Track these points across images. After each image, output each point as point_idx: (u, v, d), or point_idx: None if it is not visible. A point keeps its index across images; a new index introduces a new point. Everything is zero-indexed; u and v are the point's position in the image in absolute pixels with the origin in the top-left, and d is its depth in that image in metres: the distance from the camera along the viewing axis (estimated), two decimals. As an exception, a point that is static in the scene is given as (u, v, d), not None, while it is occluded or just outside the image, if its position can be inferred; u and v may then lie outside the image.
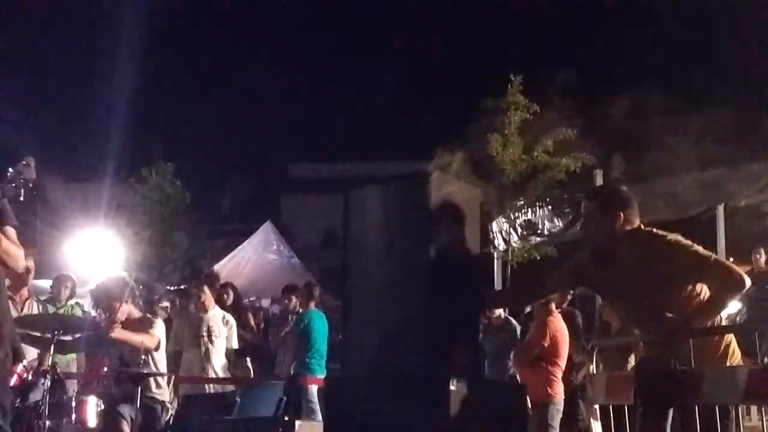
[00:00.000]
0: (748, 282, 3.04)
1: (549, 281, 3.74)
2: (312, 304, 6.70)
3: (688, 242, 3.18)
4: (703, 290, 3.09)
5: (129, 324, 4.44)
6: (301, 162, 22.84)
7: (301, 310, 6.70)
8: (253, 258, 12.91)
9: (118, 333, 4.32)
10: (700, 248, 3.14)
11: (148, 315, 5.05)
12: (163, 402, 4.62)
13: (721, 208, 7.75)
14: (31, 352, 4.51)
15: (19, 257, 3.14)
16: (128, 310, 4.59)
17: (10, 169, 2.99)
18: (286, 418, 4.25)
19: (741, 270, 3.21)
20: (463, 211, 3.40)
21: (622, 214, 3.16)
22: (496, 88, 12.75)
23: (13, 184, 2.97)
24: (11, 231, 3.06)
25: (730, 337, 3.28)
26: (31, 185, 3.04)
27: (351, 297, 3.51)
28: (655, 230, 3.32)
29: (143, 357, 4.12)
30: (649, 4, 17.50)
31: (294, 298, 6.83)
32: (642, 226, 3.26)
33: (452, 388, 2.97)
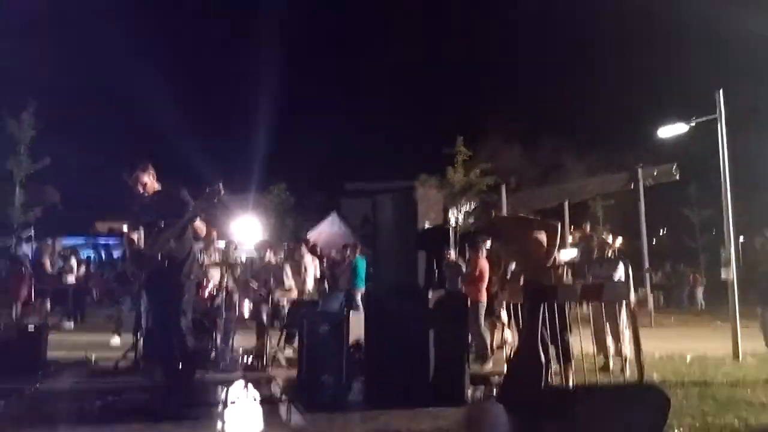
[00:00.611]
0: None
1: None
2: (357, 253, 11.14)
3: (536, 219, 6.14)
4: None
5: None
6: (351, 181, 38.84)
7: (351, 256, 10.95)
8: (327, 230, 23.43)
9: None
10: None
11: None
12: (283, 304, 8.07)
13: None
14: (215, 277, 7.88)
15: (204, 230, 5.77)
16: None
17: (207, 189, 5.10)
18: (345, 312, 7.40)
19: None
20: (434, 206, 6.48)
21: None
22: (449, 140, 23.30)
23: (214, 201, 5.16)
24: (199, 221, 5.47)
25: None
26: (221, 202, 5.84)
27: (377, 250, 6.47)
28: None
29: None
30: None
31: (348, 250, 11.36)
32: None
33: (431, 295, 5.62)
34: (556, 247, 5.94)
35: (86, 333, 11.49)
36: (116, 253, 23.59)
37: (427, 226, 5.95)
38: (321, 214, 27.79)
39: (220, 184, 5.13)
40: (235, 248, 9.16)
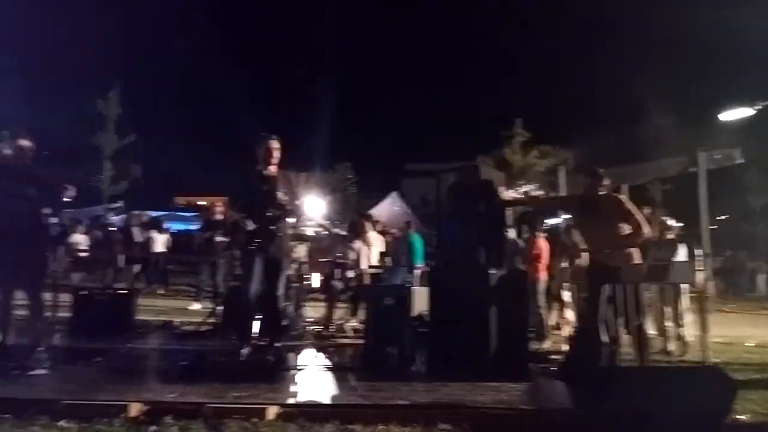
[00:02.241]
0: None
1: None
2: (410, 230, 10.84)
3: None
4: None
5: None
6: (410, 162, 40.03)
7: (410, 232, 10.62)
8: (387, 209, 22.87)
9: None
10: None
11: None
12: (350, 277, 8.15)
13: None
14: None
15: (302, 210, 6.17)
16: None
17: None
18: (408, 285, 7.45)
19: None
20: (494, 185, 6.37)
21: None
22: (507, 122, 24.23)
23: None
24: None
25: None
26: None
27: (441, 228, 6.38)
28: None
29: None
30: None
31: (407, 227, 10.95)
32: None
33: (492, 271, 5.59)
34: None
35: (170, 299, 11.96)
36: (193, 225, 24.42)
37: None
38: (382, 193, 27.94)
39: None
40: (303, 224, 9.30)
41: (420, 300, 6.32)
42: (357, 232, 8.42)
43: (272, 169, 5.63)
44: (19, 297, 5.24)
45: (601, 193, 5.41)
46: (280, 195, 5.49)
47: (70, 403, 3.73)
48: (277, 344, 5.67)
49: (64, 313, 7.29)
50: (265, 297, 5.50)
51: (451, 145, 30.02)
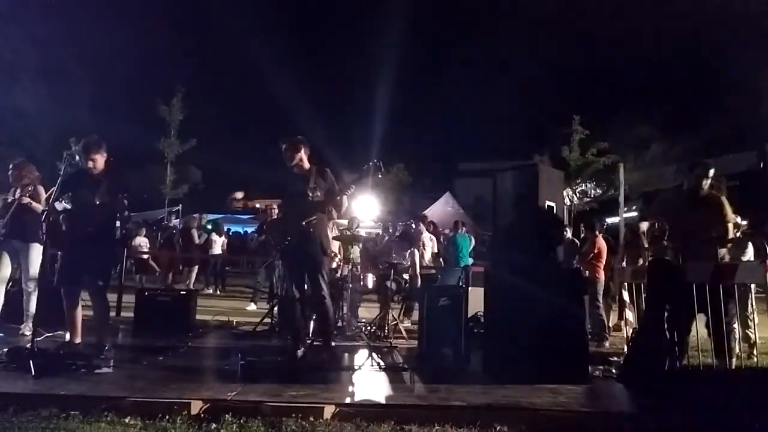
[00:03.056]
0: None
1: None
2: (458, 230, 10.73)
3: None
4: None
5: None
6: (464, 162, 39.47)
7: (456, 233, 10.56)
8: (440, 209, 22.93)
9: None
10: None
11: None
12: (404, 278, 8.15)
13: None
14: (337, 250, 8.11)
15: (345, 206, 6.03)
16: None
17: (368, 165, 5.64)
18: (464, 286, 7.40)
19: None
20: (555, 184, 6.25)
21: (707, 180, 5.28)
22: (564, 120, 23.48)
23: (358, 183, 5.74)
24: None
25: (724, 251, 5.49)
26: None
27: (497, 228, 6.50)
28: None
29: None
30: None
31: (456, 227, 10.79)
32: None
33: (550, 272, 5.55)
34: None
35: (227, 299, 12.24)
36: (250, 228, 24.95)
37: (548, 204, 5.76)
38: (435, 193, 27.93)
39: (377, 162, 5.54)
40: (357, 225, 9.36)
41: (475, 300, 6.28)
42: (410, 233, 8.38)
43: (303, 167, 5.67)
44: (85, 298, 5.45)
45: (705, 187, 5.29)
46: (312, 193, 5.52)
47: (135, 401, 3.85)
48: (330, 343, 5.71)
49: (127, 313, 7.56)
50: (311, 296, 5.54)
51: (505, 145, 29.70)
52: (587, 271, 7.07)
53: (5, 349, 5.09)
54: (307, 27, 66.18)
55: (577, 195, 22.76)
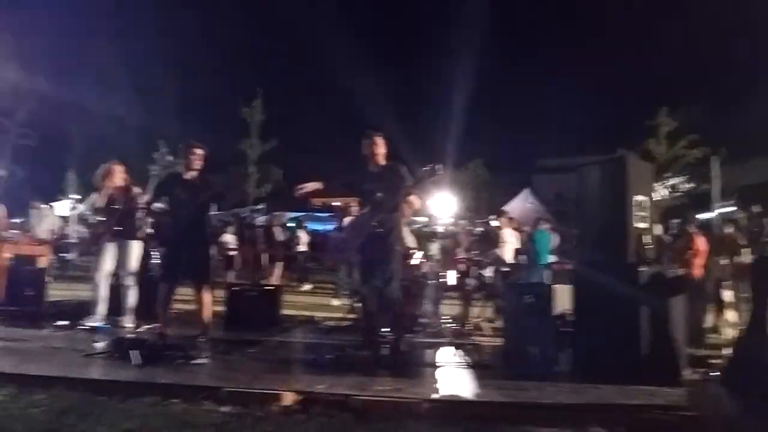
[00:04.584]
0: None
1: None
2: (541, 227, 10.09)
3: None
4: None
5: None
6: (543, 157, 37.59)
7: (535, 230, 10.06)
8: (520, 206, 22.91)
9: None
10: None
11: None
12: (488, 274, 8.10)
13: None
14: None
15: (417, 204, 6.25)
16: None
17: (426, 168, 5.60)
18: (548, 283, 7.21)
19: None
20: (645, 178, 5.96)
21: None
22: (648, 112, 22.54)
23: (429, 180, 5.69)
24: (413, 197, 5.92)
25: None
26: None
27: (583, 224, 6.11)
28: None
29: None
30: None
31: (539, 224, 10.13)
32: None
33: (642, 269, 5.20)
34: None
35: (310, 295, 12.50)
36: (330, 226, 25.36)
37: (637, 198, 5.51)
38: (515, 189, 27.51)
39: (437, 166, 5.39)
40: (436, 222, 9.34)
41: (561, 298, 6.12)
42: (491, 231, 8.26)
43: (380, 163, 5.68)
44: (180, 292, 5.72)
45: None
46: (382, 190, 5.54)
47: (231, 391, 4.00)
48: (406, 337, 5.71)
49: (218, 308, 7.85)
50: (384, 292, 5.54)
51: (585, 139, 28.81)
52: (683, 269, 6.74)
53: (110, 340, 5.41)
54: (385, 25, 66.63)
55: (667, 189, 21.66)
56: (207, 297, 5.68)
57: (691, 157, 21.43)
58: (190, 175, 5.61)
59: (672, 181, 22.07)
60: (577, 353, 5.42)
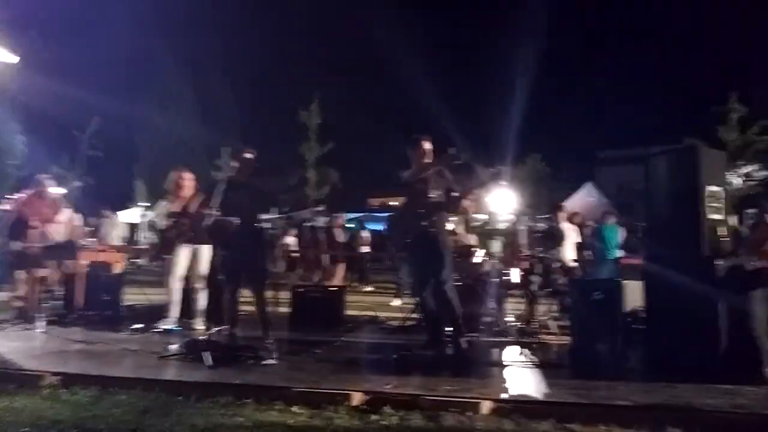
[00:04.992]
0: None
1: None
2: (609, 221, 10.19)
3: None
4: None
5: None
6: (604, 149, 38.73)
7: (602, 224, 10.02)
8: (582, 200, 21.71)
9: None
10: None
11: None
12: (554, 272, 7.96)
13: None
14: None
15: (473, 208, 6.23)
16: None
17: (491, 170, 5.94)
18: (617, 279, 7.00)
19: None
20: (718, 167, 5.73)
21: None
22: (716, 98, 21.69)
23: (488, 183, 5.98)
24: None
25: None
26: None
27: (652, 217, 5.93)
28: None
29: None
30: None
31: (606, 218, 10.29)
32: None
33: (718, 264, 4.97)
34: None
35: (372, 295, 12.59)
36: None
37: (711, 189, 5.30)
38: (576, 183, 26.91)
39: (499, 168, 5.39)
40: (496, 219, 9.21)
41: (632, 294, 5.95)
42: (554, 228, 8.10)
43: (426, 166, 5.70)
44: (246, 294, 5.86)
45: None
46: (433, 191, 5.56)
47: (301, 391, 4.08)
48: (470, 336, 5.67)
49: (284, 309, 8.01)
50: (435, 292, 5.56)
51: (648, 129, 27.97)
52: (761, 261, 6.39)
53: (183, 342, 5.60)
54: (442, 21, 66.38)
55: (741, 178, 20.58)
56: (264, 299, 5.79)
57: (764, 144, 20.44)
58: (241, 179, 5.72)
59: (745, 169, 21.13)
60: (650, 351, 5.26)
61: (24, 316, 7.08)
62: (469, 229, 8.28)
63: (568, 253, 8.32)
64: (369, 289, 14.07)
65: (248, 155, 5.89)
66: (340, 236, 14.57)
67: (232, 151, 5.92)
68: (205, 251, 6.85)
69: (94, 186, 25.90)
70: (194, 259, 6.90)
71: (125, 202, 30.14)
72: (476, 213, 8.16)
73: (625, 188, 30.84)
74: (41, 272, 7.54)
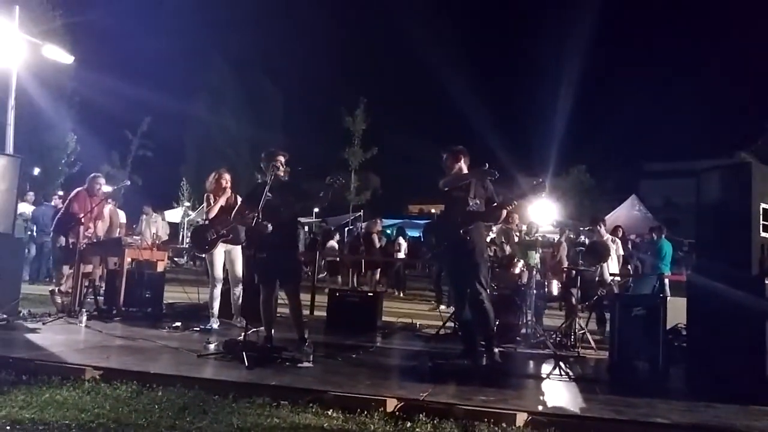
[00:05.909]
0: None
1: None
2: (662, 236, 9.87)
3: None
4: None
5: None
6: (650, 161, 38.83)
7: (655, 238, 9.75)
8: (625, 213, 21.01)
9: None
10: None
11: None
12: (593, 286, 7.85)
13: None
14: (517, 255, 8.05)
15: (515, 217, 6.16)
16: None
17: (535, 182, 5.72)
18: (661, 295, 6.88)
19: None
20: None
21: None
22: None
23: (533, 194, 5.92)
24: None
25: None
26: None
27: (701, 234, 5.76)
28: None
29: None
30: None
31: (654, 233, 10.06)
32: None
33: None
34: None
35: (408, 302, 12.58)
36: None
37: (764, 206, 5.13)
38: (620, 195, 26.35)
39: (542, 180, 5.52)
40: (536, 230, 9.12)
41: (674, 311, 5.80)
42: (597, 243, 7.95)
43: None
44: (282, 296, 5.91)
45: None
46: (471, 201, 5.56)
47: (336, 395, 4.10)
48: (506, 347, 5.63)
49: (321, 312, 8.07)
50: (470, 301, 5.52)
51: (696, 143, 27.29)
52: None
53: (221, 341, 5.69)
54: (488, 31, 66.20)
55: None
56: (297, 301, 5.82)
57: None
58: (275, 181, 5.76)
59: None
60: (691, 369, 5.12)
61: (67, 310, 7.30)
62: (512, 240, 8.20)
63: (610, 266, 8.17)
64: (404, 295, 14.06)
65: (282, 157, 5.92)
66: (378, 242, 14.64)
67: (265, 154, 5.95)
68: (239, 252, 6.96)
69: (142, 185, 26.60)
70: (234, 259, 7.02)
71: (171, 202, 30.86)
72: (519, 224, 8.10)
73: (672, 202, 30.18)
74: (86, 268, 7.78)
